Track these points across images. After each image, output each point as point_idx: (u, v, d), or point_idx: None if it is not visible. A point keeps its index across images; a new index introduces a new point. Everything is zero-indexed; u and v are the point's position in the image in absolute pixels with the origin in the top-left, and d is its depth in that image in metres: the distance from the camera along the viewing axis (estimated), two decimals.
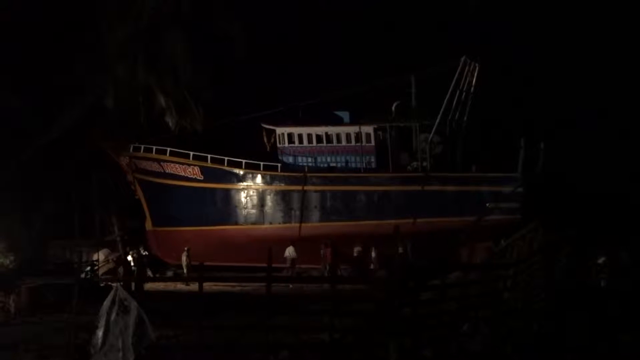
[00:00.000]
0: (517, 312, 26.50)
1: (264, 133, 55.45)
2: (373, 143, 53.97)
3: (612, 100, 62.30)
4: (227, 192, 54.80)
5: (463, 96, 52.71)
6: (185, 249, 50.54)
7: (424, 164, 52.96)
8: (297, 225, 52.94)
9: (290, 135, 54.78)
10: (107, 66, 45.85)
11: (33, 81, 43.34)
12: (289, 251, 49.71)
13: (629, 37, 64.58)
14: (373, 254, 50.27)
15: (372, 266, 50.25)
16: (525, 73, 63.23)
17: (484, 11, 63.63)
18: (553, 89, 63.51)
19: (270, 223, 53.83)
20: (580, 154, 55.50)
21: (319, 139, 54.44)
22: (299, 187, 53.01)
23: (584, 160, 54.69)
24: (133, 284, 34.11)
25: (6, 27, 41.03)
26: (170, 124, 51.02)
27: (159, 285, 45.30)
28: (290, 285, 40.71)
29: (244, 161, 53.99)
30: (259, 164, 53.89)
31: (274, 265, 27.40)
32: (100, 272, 50.51)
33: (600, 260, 38.75)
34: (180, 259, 51.39)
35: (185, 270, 50.13)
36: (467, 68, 52.45)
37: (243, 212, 54.43)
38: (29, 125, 43.34)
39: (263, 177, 54.16)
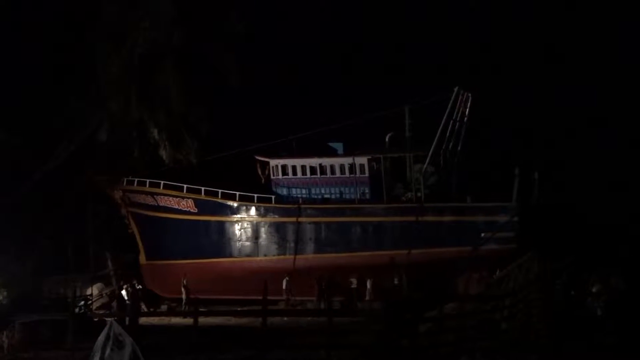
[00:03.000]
0: (515, 342, 26.35)
1: (258, 165, 55.29)
2: (367, 174, 53.87)
3: (606, 128, 62.48)
4: (221, 224, 54.64)
5: (457, 126, 52.71)
6: (183, 280, 50.26)
7: (419, 194, 52.83)
8: (292, 257, 52.69)
9: (284, 167, 54.71)
10: (101, 100, 46.01)
11: (27, 117, 43.42)
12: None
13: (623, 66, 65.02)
14: (368, 286, 50.07)
15: (367, 297, 50.04)
16: (519, 103, 63.58)
17: (477, 37, 64.24)
18: (547, 119, 63.78)
19: (265, 255, 53.59)
20: (575, 183, 55.46)
21: (312, 170, 54.36)
22: (294, 219, 52.86)
23: (579, 189, 54.66)
24: (127, 319, 34.06)
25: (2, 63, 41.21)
26: (164, 157, 51.09)
27: (154, 320, 45.10)
28: (285, 318, 40.61)
29: (237, 193, 53.84)
30: (253, 196, 53.77)
31: (269, 297, 27.29)
32: (94, 306, 50.32)
33: (595, 289, 38.59)
34: (179, 291, 51.21)
35: (184, 301, 49.84)
36: (460, 98, 52.52)
37: (237, 245, 54.23)
38: (23, 161, 43.32)
39: (257, 209, 54.02)
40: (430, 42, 68.54)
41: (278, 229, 53.65)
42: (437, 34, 68.56)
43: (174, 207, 54.92)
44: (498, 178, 52.26)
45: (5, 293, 42.43)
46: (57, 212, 49.01)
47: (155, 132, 50.25)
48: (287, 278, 49.93)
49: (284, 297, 49.82)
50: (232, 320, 42.80)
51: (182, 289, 50.15)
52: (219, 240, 54.62)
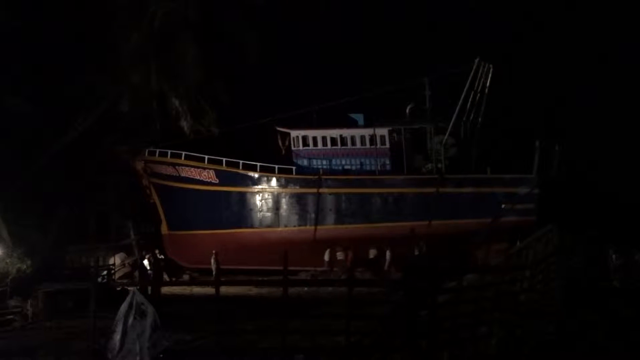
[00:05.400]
0: (533, 313, 26.41)
1: (279, 136, 55.44)
2: (388, 145, 53.75)
3: (628, 98, 62.08)
4: (242, 195, 54.82)
5: (477, 98, 52.42)
6: (214, 252, 50.54)
7: (439, 165, 52.71)
8: (312, 228, 52.83)
9: (304, 138, 54.74)
10: (121, 72, 46.06)
11: (47, 88, 43.52)
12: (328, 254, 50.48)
13: None
14: (387, 257, 50.17)
15: (386, 268, 50.19)
16: (541, 73, 63.18)
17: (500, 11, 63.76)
18: (569, 89, 63.37)
19: (286, 226, 53.79)
20: (595, 155, 55.19)
21: (333, 141, 54.34)
22: (314, 190, 52.93)
23: (599, 161, 54.39)
24: (149, 288, 34.32)
25: (22, 35, 41.22)
26: (185, 128, 51.20)
27: (175, 289, 45.47)
28: (306, 288, 40.81)
29: (258, 164, 54.00)
30: (274, 167, 53.87)
31: (290, 268, 27.39)
32: (117, 276, 50.69)
33: (616, 261, 38.63)
34: (200, 261, 51.58)
35: (214, 273, 50.07)
36: (481, 70, 52.17)
37: (258, 215, 54.44)
38: (44, 132, 43.49)
39: (278, 180, 54.14)
40: (453, 11, 68.28)
41: (299, 200, 53.80)
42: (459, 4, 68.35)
43: (196, 177, 55.17)
44: (519, 150, 52.04)
45: (29, 262, 42.79)
46: (78, 182, 49.25)
47: (176, 103, 50.37)
48: (329, 250, 50.15)
49: (326, 268, 50.10)
50: (253, 290, 43.09)
51: (212, 261, 50.37)
52: (240, 211, 54.84)
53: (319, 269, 50.32)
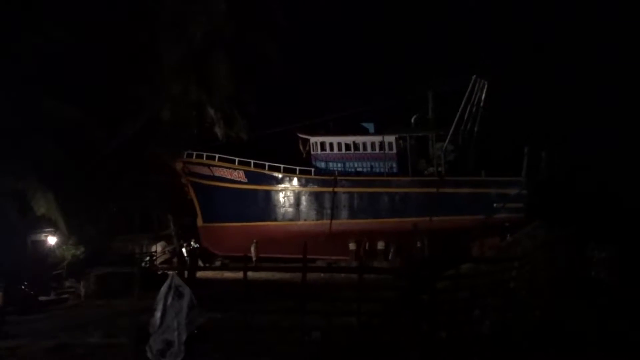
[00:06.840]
0: (521, 300, 26.31)
1: (300, 141, 55.52)
2: (395, 151, 53.74)
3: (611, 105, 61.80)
4: (268, 193, 54.94)
5: (474, 109, 52.44)
6: (254, 241, 50.69)
7: (440, 169, 52.69)
8: (329, 222, 52.91)
9: (322, 144, 54.83)
10: (164, 84, 46.28)
11: (99, 99, 43.74)
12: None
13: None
14: (391, 248, 50.33)
15: (390, 257, 50.30)
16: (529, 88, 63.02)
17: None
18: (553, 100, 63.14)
19: (305, 220, 53.90)
20: (579, 158, 54.84)
21: (347, 147, 54.40)
22: (330, 189, 53.02)
23: (583, 163, 54.05)
24: (186, 273, 34.41)
25: (76, 50, 41.34)
26: (219, 134, 51.53)
27: (209, 274, 45.55)
28: (322, 275, 40.79)
29: (282, 166, 54.17)
30: (296, 169, 54.03)
31: (308, 256, 27.38)
32: (158, 262, 50.92)
33: (597, 255, 38.32)
34: (231, 249, 51.74)
35: (253, 259, 50.06)
36: (477, 85, 52.18)
37: (281, 211, 54.57)
38: (96, 137, 43.68)
39: (299, 180, 54.25)
40: (452, 26, 68.42)
41: (317, 198, 53.85)
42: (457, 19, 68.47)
43: (227, 177, 55.36)
44: (510, 155, 51.90)
45: (82, 249, 43.10)
46: (125, 181, 49.50)
47: (211, 112, 50.72)
48: (382, 242, 50.19)
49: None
50: (276, 276, 43.08)
51: (252, 249, 50.50)
52: (266, 207, 54.95)
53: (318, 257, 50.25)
